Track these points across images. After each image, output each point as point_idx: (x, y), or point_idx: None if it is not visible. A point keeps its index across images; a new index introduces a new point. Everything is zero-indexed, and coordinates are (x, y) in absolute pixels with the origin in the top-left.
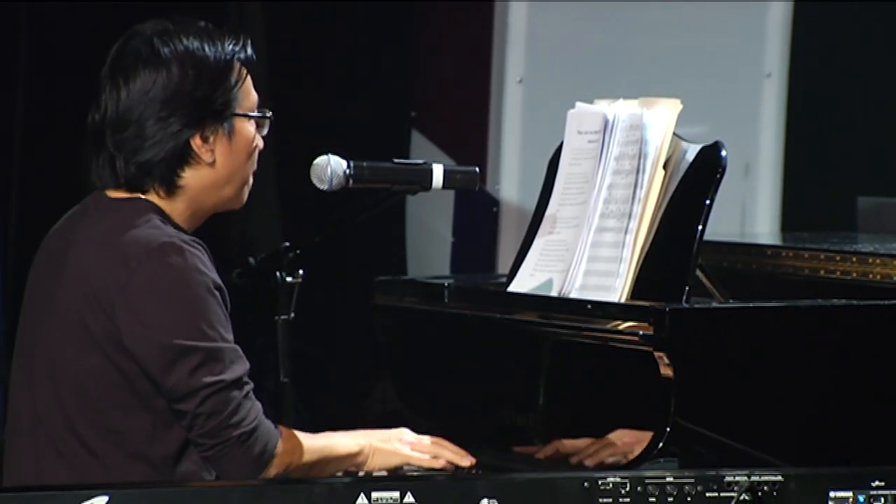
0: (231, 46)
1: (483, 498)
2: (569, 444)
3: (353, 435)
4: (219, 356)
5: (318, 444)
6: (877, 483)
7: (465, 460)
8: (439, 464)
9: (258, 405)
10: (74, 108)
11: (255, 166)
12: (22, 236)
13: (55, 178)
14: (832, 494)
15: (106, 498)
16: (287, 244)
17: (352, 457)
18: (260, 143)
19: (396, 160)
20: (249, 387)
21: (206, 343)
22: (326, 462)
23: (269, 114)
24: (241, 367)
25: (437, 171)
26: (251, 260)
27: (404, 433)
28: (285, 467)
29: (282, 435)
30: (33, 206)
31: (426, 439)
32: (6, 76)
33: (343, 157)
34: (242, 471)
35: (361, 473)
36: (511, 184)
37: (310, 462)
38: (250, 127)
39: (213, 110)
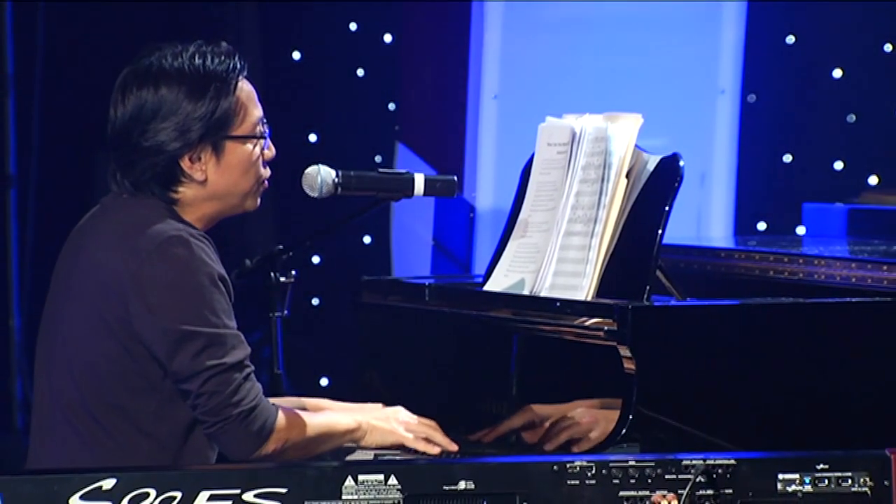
0: (227, 68)
1: (461, 480)
2: (540, 426)
3: (350, 412)
4: (221, 341)
5: (316, 420)
6: (821, 466)
7: (452, 446)
8: (432, 450)
9: (258, 386)
10: (88, 113)
11: (262, 174)
12: (39, 238)
13: (71, 183)
14: (780, 476)
15: (114, 480)
16: (280, 247)
17: (349, 433)
18: (268, 152)
19: (381, 170)
20: (250, 369)
21: (209, 329)
22: (325, 438)
23: (259, 132)
24: (241, 352)
25: (419, 180)
26: (248, 262)
27: (400, 412)
28: (283, 442)
29: (280, 413)
30: (50, 210)
31: (417, 420)
32: (23, 81)
33: (332, 166)
34: (242, 446)
35: (357, 448)
36: (486, 191)
37: (308, 438)
38: (245, 145)
39: (200, 133)
